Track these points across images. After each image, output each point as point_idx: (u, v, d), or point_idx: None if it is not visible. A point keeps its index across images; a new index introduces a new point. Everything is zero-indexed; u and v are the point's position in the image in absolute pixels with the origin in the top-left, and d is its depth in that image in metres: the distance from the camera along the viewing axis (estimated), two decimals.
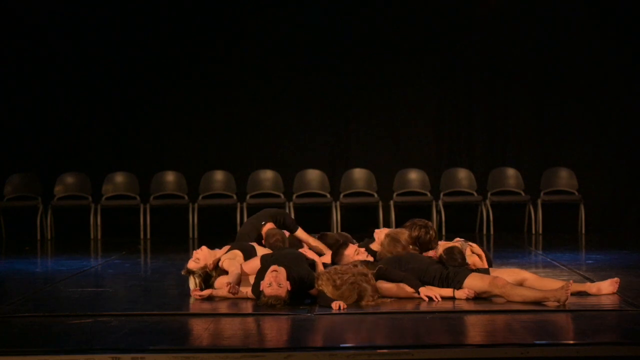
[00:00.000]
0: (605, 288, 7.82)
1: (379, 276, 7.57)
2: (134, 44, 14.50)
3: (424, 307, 7.35)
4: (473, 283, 7.59)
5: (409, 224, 8.37)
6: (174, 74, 14.56)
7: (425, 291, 7.52)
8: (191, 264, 8.14)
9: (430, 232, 8.29)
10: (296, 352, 5.89)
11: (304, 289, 7.56)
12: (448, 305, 7.38)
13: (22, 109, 14.48)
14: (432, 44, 14.61)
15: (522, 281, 7.80)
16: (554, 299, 7.29)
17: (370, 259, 8.02)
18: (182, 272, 8.18)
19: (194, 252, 8.22)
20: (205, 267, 8.10)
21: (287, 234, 8.91)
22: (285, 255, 7.80)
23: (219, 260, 8.16)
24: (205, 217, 14.22)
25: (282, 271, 7.45)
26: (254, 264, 8.05)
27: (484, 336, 6.49)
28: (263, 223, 8.92)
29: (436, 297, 7.50)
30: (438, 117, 14.74)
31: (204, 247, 8.25)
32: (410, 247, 8.17)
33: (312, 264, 7.87)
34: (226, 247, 8.36)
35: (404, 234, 8.22)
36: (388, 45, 14.61)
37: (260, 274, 7.56)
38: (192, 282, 8.12)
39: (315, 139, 14.71)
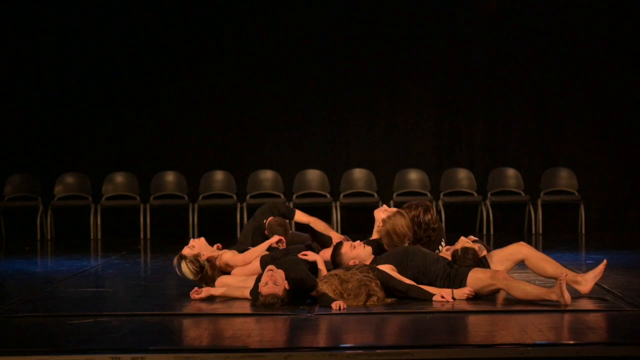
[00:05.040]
0: (591, 280, 7.74)
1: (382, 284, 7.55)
2: (133, 44, 14.51)
3: (424, 307, 7.34)
4: (475, 277, 7.55)
5: (407, 205, 8.36)
6: (174, 74, 14.56)
7: (437, 297, 7.51)
8: (185, 250, 8.13)
9: (431, 211, 8.27)
10: (296, 352, 5.89)
11: (303, 292, 7.55)
12: (448, 305, 7.38)
13: (22, 109, 14.48)
14: (432, 43, 14.61)
15: (523, 260, 7.78)
16: (557, 296, 7.27)
17: (369, 249, 7.98)
18: (174, 260, 8.10)
19: (191, 239, 8.22)
20: (198, 254, 8.05)
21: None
22: (284, 260, 7.79)
23: (214, 258, 8.15)
24: (205, 217, 14.23)
25: (278, 271, 7.45)
26: (253, 265, 8.05)
27: (484, 336, 6.48)
28: (265, 222, 8.90)
29: (449, 298, 7.47)
30: (438, 117, 14.74)
31: (202, 238, 8.26)
32: (409, 234, 8.12)
33: (314, 266, 7.85)
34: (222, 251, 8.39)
35: (401, 225, 8.14)
36: (388, 45, 14.62)
37: (260, 277, 7.56)
38: (185, 267, 8.03)
39: (315, 139, 14.72)
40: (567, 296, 7.24)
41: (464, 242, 8.04)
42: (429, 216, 8.25)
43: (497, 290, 7.56)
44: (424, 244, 8.27)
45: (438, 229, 8.37)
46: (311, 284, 7.55)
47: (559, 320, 6.86)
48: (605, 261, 7.75)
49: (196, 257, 8.07)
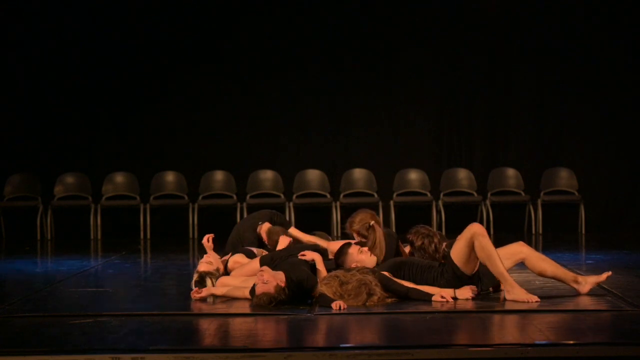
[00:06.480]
0: (591, 283, 7.77)
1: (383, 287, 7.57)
2: (133, 45, 14.50)
3: (424, 307, 7.34)
4: (456, 250, 7.60)
5: (414, 231, 8.36)
6: (174, 74, 14.56)
7: (437, 297, 7.51)
8: (205, 267, 8.09)
9: (435, 241, 8.27)
10: (296, 352, 5.89)
11: (303, 293, 7.55)
12: (448, 305, 7.38)
13: (22, 109, 14.48)
14: (432, 43, 14.61)
15: (523, 260, 7.80)
16: (516, 296, 7.36)
17: (374, 258, 8.01)
18: (195, 278, 8.04)
19: (205, 256, 8.21)
20: (217, 268, 8.12)
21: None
22: (284, 262, 7.79)
23: (225, 264, 8.22)
24: (205, 217, 14.22)
25: (270, 271, 7.45)
26: (253, 266, 8.04)
27: (484, 336, 6.49)
28: (260, 223, 8.91)
29: (449, 298, 7.48)
30: (438, 117, 14.74)
31: (211, 252, 8.30)
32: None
33: (313, 266, 7.85)
34: (229, 255, 8.40)
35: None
36: (388, 44, 14.62)
37: None
38: (209, 283, 8.01)
39: (315, 139, 14.71)
40: (509, 298, 7.36)
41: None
42: (433, 247, 8.26)
43: (472, 245, 7.54)
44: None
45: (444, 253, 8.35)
46: (311, 284, 7.55)
47: (559, 320, 6.86)
48: (610, 272, 7.79)
49: (217, 271, 8.11)
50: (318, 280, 7.65)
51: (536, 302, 7.38)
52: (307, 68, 14.62)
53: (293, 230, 8.95)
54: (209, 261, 8.14)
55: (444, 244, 8.18)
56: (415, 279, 7.74)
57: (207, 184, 14.50)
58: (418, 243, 8.24)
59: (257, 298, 7.39)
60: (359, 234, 8.29)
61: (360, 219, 8.32)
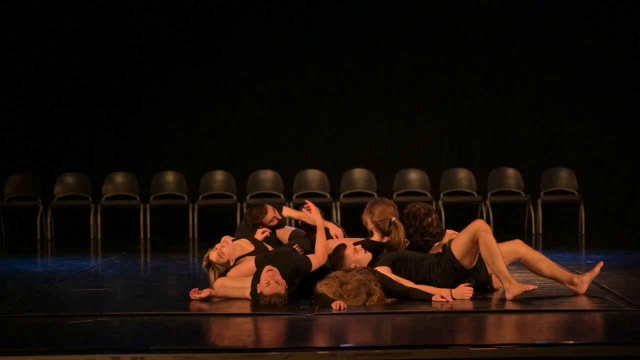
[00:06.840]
0: (587, 281, 7.79)
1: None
2: (133, 44, 14.51)
3: (424, 307, 7.34)
4: (457, 243, 7.62)
5: (410, 206, 8.33)
6: (174, 74, 14.56)
7: (436, 297, 7.51)
8: (215, 257, 7.93)
9: (433, 215, 8.24)
10: (296, 352, 5.89)
11: (302, 275, 7.62)
12: (448, 305, 7.38)
13: (22, 109, 14.48)
14: (432, 43, 14.62)
15: (519, 259, 7.83)
16: (516, 292, 7.40)
17: (369, 255, 7.99)
18: (204, 265, 7.97)
19: (219, 245, 7.98)
20: (227, 262, 7.96)
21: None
22: (275, 253, 7.83)
23: (239, 257, 8.11)
24: (205, 217, 14.23)
25: (277, 270, 7.47)
26: (248, 265, 8.01)
27: (484, 336, 6.49)
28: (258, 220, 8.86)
29: (449, 298, 7.48)
30: (438, 117, 14.74)
31: (227, 239, 8.08)
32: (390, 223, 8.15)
33: (311, 256, 7.88)
34: (250, 246, 8.28)
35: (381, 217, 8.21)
36: (388, 44, 14.63)
37: (256, 277, 7.56)
38: (212, 275, 7.94)
39: (315, 139, 14.72)
40: (509, 297, 7.41)
41: (450, 235, 8.07)
42: (429, 220, 8.20)
43: (477, 242, 7.55)
44: (419, 248, 8.21)
45: (438, 235, 8.31)
46: (307, 268, 7.64)
47: (559, 320, 6.86)
48: (601, 263, 7.80)
49: (225, 265, 7.96)
50: (314, 256, 7.71)
51: (533, 289, 7.43)
52: (307, 68, 14.62)
53: (286, 210, 8.83)
54: (221, 253, 7.95)
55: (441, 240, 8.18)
56: (410, 271, 7.73)
57: (207, 184, 14.50)
58: (412, 209, 8.20)
59: (268, 298, 7.36)
60: (377, 227, 8.21)
61: (381, 210, 8.19)
